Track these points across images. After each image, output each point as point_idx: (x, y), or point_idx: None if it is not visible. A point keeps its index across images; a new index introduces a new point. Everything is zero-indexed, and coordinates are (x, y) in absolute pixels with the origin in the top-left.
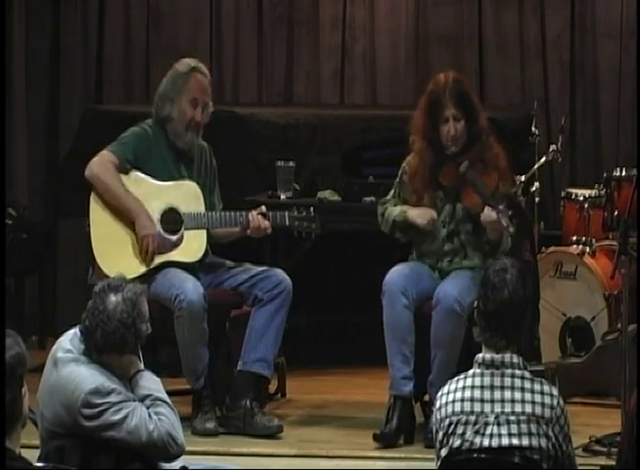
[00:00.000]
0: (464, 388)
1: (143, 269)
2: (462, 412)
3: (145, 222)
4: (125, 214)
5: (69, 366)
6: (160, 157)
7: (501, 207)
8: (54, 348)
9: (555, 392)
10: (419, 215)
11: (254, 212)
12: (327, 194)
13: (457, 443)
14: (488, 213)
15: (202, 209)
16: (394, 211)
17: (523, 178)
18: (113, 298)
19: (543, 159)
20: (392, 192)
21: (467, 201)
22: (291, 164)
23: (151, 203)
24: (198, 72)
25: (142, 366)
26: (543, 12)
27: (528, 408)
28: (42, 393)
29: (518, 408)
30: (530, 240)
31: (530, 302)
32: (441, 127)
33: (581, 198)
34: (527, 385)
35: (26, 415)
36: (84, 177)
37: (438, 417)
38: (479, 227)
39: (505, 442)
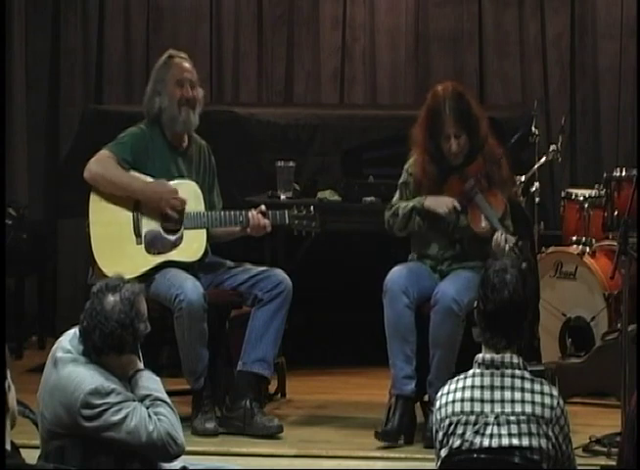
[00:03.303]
0: (464, 388)
1: (143, 269)
2: (462, 412)
3: (157, 190)
4: (136, 197)
5: (69, 366)
6: (159, 156)
7: (510, 236)
8: (54, 348)
9: (555, 392)
10: (439, 205)
11: (254, 211)
12: (327, 194)
13: (457, 443)
14: (498, 243)
15: (201, 208)
16: (410, 202)
17: (523, 178)
18: (110, 298)
19: (543, 159)
20: (398, 194)
21: (475, 226)
22: (291, 164)
23: None
24: (175, 58)
25: (141, 366)
26: (543, 12)
27: (528, 408)
28: (42, 393)
29: (518, 408)
30: (530, 240)
31: (531, 302)
32: (443, 143)
33: (581, 198)
34: (527, 385)
35: (14, 410)
36: (84, 178)
37: (438, 417)
38: (483, 243)
39: (505, 442)
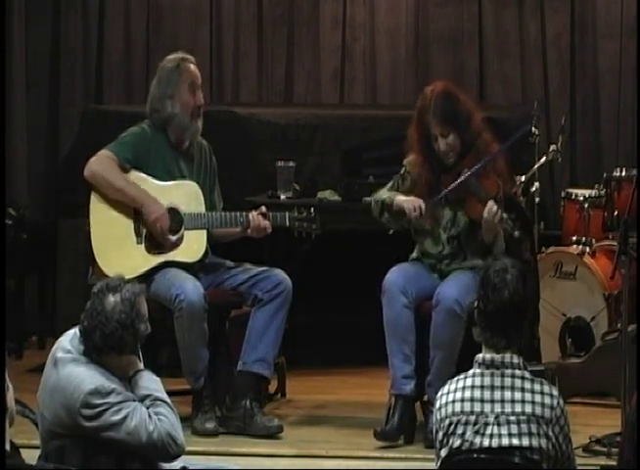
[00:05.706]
0: (464, 388)
1: (143, 269)
2: (462, 412)
3: (151, 207)
4: (130, 205)
5: (69, 367)
6: (160, 156)
7: (504, 215)
8: (54, 348)
9: (555, 392)
10: (406, 201)
11: (255, 213)
12: (327, 194)
13: (457, 443)
14: (490, 208)
15: (202, 209)
16: (385, 193)
17: (523, 178)
18: (111, 298)
19: (543, 159)
20: (391, 184)
21: (473, 213)
22: (291, 164)
23: None
24: (186, 62)
25: (142, 366)
26: (543, 12)
27: (528, 408)
28: (42, 393)
29: (518, 408)
30: (530, 240)
31: (531, 302)
32: (434, 143)
33: (581, 198)
34: (527, 385)
35: (12, 409)
36: (84, 177)
37: (438, 417)
38: (478, 232)
39: (505, 442)
